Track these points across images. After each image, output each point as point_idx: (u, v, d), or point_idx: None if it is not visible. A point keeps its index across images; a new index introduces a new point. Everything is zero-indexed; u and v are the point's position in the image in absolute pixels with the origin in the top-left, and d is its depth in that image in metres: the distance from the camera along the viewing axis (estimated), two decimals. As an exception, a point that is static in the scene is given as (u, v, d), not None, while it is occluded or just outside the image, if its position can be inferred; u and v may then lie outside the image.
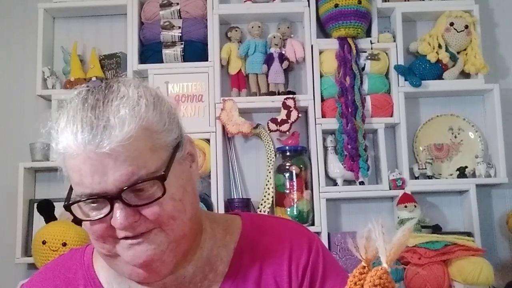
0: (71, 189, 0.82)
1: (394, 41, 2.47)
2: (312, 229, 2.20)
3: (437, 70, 2.43)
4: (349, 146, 2.33)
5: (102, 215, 0.78)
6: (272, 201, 2.35)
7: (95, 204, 0.78)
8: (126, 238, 0.79)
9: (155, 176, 0.77)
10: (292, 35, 2.53)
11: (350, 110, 2.35)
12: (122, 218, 0.76)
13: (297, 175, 2.32)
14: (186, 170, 0.85)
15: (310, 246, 0.92)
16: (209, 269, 0.89)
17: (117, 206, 0.76)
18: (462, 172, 2.40)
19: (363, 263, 0.62)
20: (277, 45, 2.46)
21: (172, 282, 0.87)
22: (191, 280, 0.88)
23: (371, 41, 2.45)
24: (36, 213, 2.30)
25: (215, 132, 2.37)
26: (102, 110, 0.77)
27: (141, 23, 2.53)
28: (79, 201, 0.79)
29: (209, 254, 0.90)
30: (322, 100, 2.41)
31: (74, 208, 0.80)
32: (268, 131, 2.41)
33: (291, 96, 2.38)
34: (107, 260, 0.84)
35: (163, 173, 0.78)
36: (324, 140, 2.40)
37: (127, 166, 0.75)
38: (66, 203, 0.81)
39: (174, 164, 0.80)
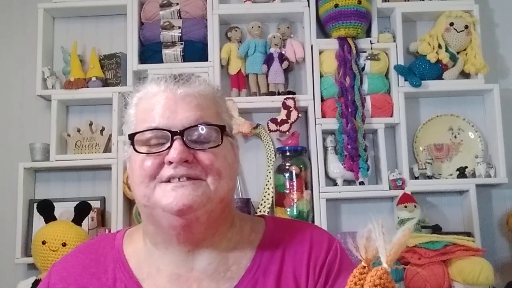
0: (130, 138, 0.89)
1: (394, 41, 2.46)
2: (312, 229, 2.20)
3: (437, 70, 2.43)
4: (349, 146, 2.33)
5: (161, 149, 0.85)
6: (272, 201, 2.35)
7: (155, 146, 0.86)
8: (169, 182, 0.85)
9: (217, 124, 0.88)
10: (292, 35, 2.53)
11: (350, 110, 2.35)
12: (178, 151, 0.84)
13: (297, 175, 2.32)
14: (234, 157, 0.94)
15: (329, 247, 0.96)
16: (233, 262, 0.93)
17: (177, 142, 0.85)
18: (462, 172, 2.40)
19: (363, 263, 0.63)
20: (277, 45, 2.46)
21: (198, 267, 0.91)
22: (215, 269, 0.92)
23: (371, 41, 2.45)
24: (36, 213, 2.30)
25: (215, 132, 2.36)
26: (185, 75, 0.92)
27: (141, 23, 2.53)
28: (145, 130, 0.87)
29: (234, 247, 0.94)
30: (322, 100, 2.41)
31: (137, 142, 0.87)
32: (268, 131, 2.41)
33: (291, 96, 2.38)
34: (147, 212, 0.90)
35: (223, 125, 0.89)
36: (324, 140, 2.40)
37: (196, 111, 0.87)
38: (131, 134, 0.89)
39: (227, 140, 0.91)
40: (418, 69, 2.42)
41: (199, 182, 0.86)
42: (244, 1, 2.52)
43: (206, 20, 2.47)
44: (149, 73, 2.40)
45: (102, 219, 2.40)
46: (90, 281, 0.93)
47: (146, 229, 0.95)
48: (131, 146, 0.88)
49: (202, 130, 0.86)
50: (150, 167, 0.86)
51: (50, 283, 0.96)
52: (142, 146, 0.87)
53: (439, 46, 2.41)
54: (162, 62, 2.45)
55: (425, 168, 2.39)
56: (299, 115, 2.37)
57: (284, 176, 2.33)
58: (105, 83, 2.49)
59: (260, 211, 2.33)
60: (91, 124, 2.47)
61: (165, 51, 2.44)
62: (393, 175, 2.34)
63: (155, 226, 0.91)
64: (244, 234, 0.97)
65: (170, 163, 0.85)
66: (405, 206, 2.25)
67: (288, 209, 2.30)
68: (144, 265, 0.94)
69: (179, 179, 0.85)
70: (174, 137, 0.84)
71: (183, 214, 0.85)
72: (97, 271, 0.94)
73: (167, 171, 0.85)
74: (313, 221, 2.30)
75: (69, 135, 2.46)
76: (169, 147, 0.85)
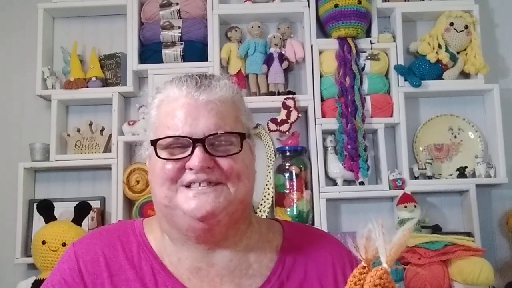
0: (152, 142, 0.92)
1: (394, 41, 2.46)
2: (312, 229, 2.20)
3: (437, 70, 2.43)
4: (349, 146, 2.33)
5: (182, 156, 0.88)
6: (272, 201, 2.35)
7: (176, 149, 0.89)
8: (190, 187, 0.88)
9: (237, 132, 0.91)
10: (292, 35, 2.53)
11: (350, 110, 2.35)
12: (200, 159, 0.87)
13: (297, 175, 2.32)
14: (252, 158, 0.97)
15: (350, 258, 0.99)
16: (254, 259, 0.96)
17: (198, 149, 0.87)
18: (462, 172, 2.40)
19: (363, 263, 0.63)
20: (277, 45, 2.46)
21: (219, 263, 0.94)
22: (236, 266, 0.95)
23: (371, 41, 2.45)
24: (36, 213, 2.30)
25: (215, 132, 2.36)
26: (206, 78, 0.94)
27: (141, 23, 2.53)
28: (167, 137, 0.89)
29: (255, 246, 0.97)
30: (322, 100, 2.41)
31: (159, 145, 0.90)
32: (268, 131, 2.41)
33: (291, 96, 2.38)
34: (166, 211, 0.91)
35: (243, 132, 0.92)
36: (324, 140, 2.40)
37: (217, 119, 0.89)
38: (153, 140, 0.91)
39: (246, 143, 0.93)
40: (418, 69, 2.42)
41: (220, 187, 0.89)
42: (244, 1, 2.52)
43: (206, 20, 2.47)
44: (149, 73, 2.41)
45: (102, 219, 2.40)
46: (117, 252, 0.95)
47: (162, 225, 0.96)
48: (153, 150, 0.91)
49: (223, 138, 0.89)
50: (171, 171, 0.88)
51: (77, 254, 0.96)
52: (163, 149, 0.90)
53: (439, 46, 2.41)
54: (162, 62, 2.45)
55: (425, 168, 2.39)
56: (299, 115, 2.37)
57: (284, 176, 2.33)
58: (105, 83, 2.49)
59: (260, 211, 2.33)
60: (91, 124, 2.47)
61: (165, 51, 2.44)
62: (393, 175, 2.34)
63: (171, 225, 0.93)
64: (263, 233, 1.00)
65: (191, 169, 0.88)
66: (405, 206, 2.25)
67: (288, 209, 2.30)
68: (165, 254, 0.96)
69: (199, 184, 0.88)
70: (196, 144, 0.87)
71: (205, 219, 0.88)
72: (122, 248, 0.96)
73: (188, 176, 0.88)
74: (313, 221, 2.30)
75: (69, 135, 2.46)
76: (191, 153, 0.87)
